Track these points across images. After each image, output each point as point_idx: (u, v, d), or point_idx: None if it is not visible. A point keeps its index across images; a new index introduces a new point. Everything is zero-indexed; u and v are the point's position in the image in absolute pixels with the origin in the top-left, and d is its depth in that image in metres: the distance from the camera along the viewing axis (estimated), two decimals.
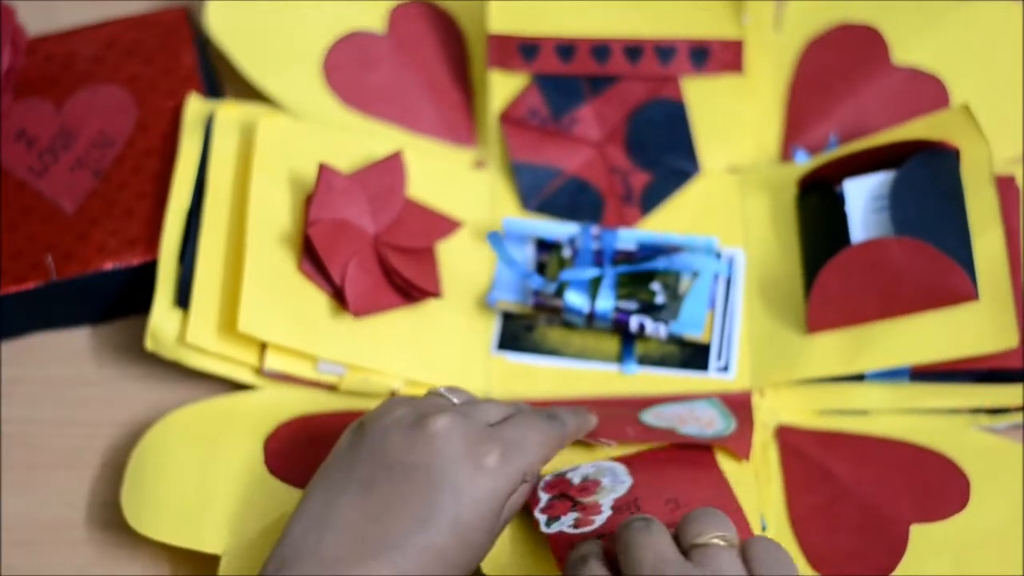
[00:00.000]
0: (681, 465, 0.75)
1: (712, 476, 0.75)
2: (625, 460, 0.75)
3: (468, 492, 0.67)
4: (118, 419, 0.83)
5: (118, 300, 0.85)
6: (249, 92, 0.88)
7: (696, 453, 0.76)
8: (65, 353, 0.85)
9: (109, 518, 0.79)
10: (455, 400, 0.72)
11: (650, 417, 0.78)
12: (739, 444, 0.76)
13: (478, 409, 0.71)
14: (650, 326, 0.81)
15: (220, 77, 0.91)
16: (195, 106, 0.86)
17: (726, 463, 0.76)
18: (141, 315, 0.82)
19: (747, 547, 0.64)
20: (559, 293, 0.81)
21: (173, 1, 0.93)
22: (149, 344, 0.80)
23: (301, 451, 0.77)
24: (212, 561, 0.75)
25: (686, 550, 0.64)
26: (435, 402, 0.71)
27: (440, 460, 0.67)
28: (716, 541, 0.64)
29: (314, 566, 0.65)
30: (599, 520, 0.72)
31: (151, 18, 0.91)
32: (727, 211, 0.85)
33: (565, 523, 0.71)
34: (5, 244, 0.84)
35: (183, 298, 0.80)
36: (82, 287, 0.84)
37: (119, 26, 0.91)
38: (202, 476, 0.77)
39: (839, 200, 0.81)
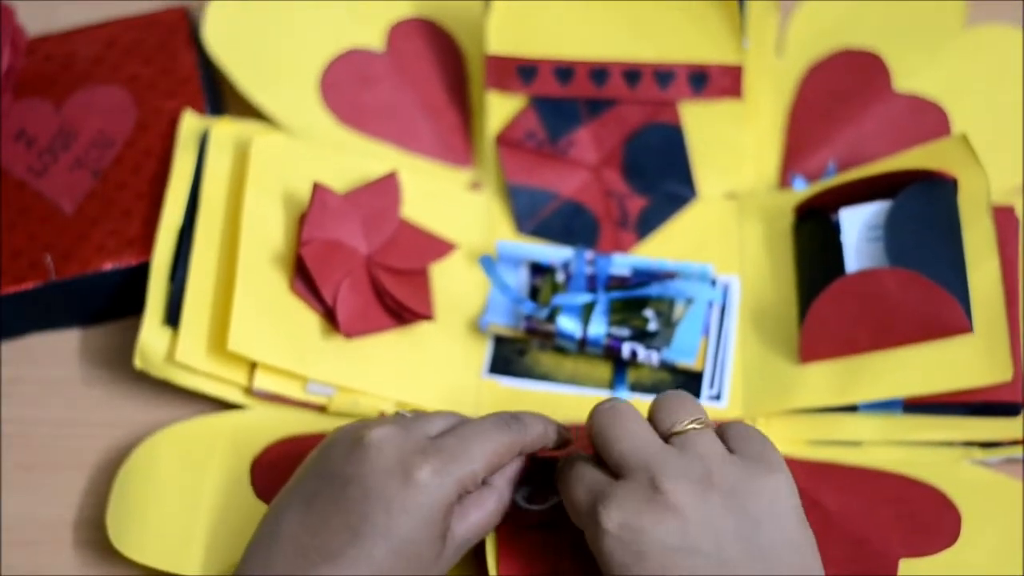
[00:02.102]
0: None
1: None
2: None
3: (399, 504, 0.67)
4: (118, 419, 0.83)
5: (117, 300, 0.85)
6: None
7: None
8: (64, 353, 0.85)
9: None
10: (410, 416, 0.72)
11: None
12: None
13: (420, 421, 0.71)
14: (642, 353, 0.80)
15: (219, 78, 0.90)
16: (190, 122, 0.86)
17: None
18: (139, 315, 0.82)
19: (723, 429, 0.68)
20: (551, 318, 0.81)
21: (173, 1, 0.94)
22: (138, 362, 0.80)
23: (288, 474, 0.77)
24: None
25: (665, 438, 0.67)
26: (385, 419, 0.71)
27: (372, 473, 0.67)
28: (693, 427, 0.67)
29: None
30: (554, 499, 0.73)
31: (151, 18, 0.91)
32: (723, 237, 0.85)
33: (520, 494, 0.73)
34: (4, 244, 0.84)
35: (173, 316, 0.80)
36: (81, 287, 0.84)
37: (119, 26, 0.91)
38: (188, 499, 0.77)
39: (835, 229, 0.81)
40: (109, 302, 0.85)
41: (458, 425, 0.71)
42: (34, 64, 0.90)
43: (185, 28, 0.90)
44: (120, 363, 0.84)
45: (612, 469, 0.67)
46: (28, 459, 0.82)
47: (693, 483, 0.64)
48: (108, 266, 0.83)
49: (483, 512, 0.70)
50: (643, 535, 0.64)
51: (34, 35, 0.91)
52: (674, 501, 0.64)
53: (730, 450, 0.67)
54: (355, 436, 0.69)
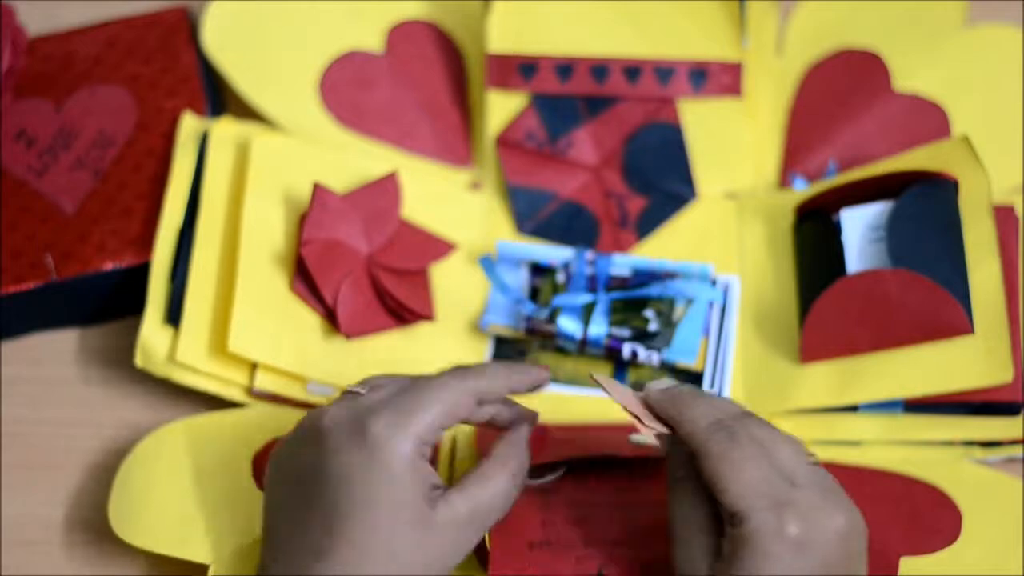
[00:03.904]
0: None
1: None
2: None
3: (360, 475, 0.65)
4: (118, 419, 0.83)
5: (117, 300, 0.85)
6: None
7: None
8: (64, 353, 0.86)
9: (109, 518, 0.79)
10: (361, 390, 0.69)
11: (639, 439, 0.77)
12: None
13: (371, 390, 0.68)
14: (643, 353, 0.80)
15: (220, 78, 0.90)
16: (189, 123, 0.86)
17: None
18: (139, 315, 0.82)
19: None
20: (552, 319, 0.81)
21: (173, 1, 0.93)
22: (139, 360, 0.80)
23: None
24: (204, 568, 0.75)
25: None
26: (335, 400, 0.69)
27: (331, 456, 0.66)
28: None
29: None
30: (551, 476, 0.73)
31: (151, 18, 0.91)
32: (723, 237, 0.85)
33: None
34: (5, 244, 0.84)
35: (174, 315, 0.80)
36: (81, 287, 0.84)
37: (119, 26, 0.91)
38: (190, 488, 0.77)
39: (836, 229, 0.81)
40: (109, 302, 0.85)
41: (410, 382, 0.69)
42: (34, 64, 0.90)
43: (185, 28, 0.91)
44: (120, 363, 0.84)
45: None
46: (28, 459, 0.82)
47: None
48: (108, 266, 0.83)
49: (487, 490, 0.67)
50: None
51: (34, 35, 0.91)
52: None
53: None
54: (311, 429, 0.67)
